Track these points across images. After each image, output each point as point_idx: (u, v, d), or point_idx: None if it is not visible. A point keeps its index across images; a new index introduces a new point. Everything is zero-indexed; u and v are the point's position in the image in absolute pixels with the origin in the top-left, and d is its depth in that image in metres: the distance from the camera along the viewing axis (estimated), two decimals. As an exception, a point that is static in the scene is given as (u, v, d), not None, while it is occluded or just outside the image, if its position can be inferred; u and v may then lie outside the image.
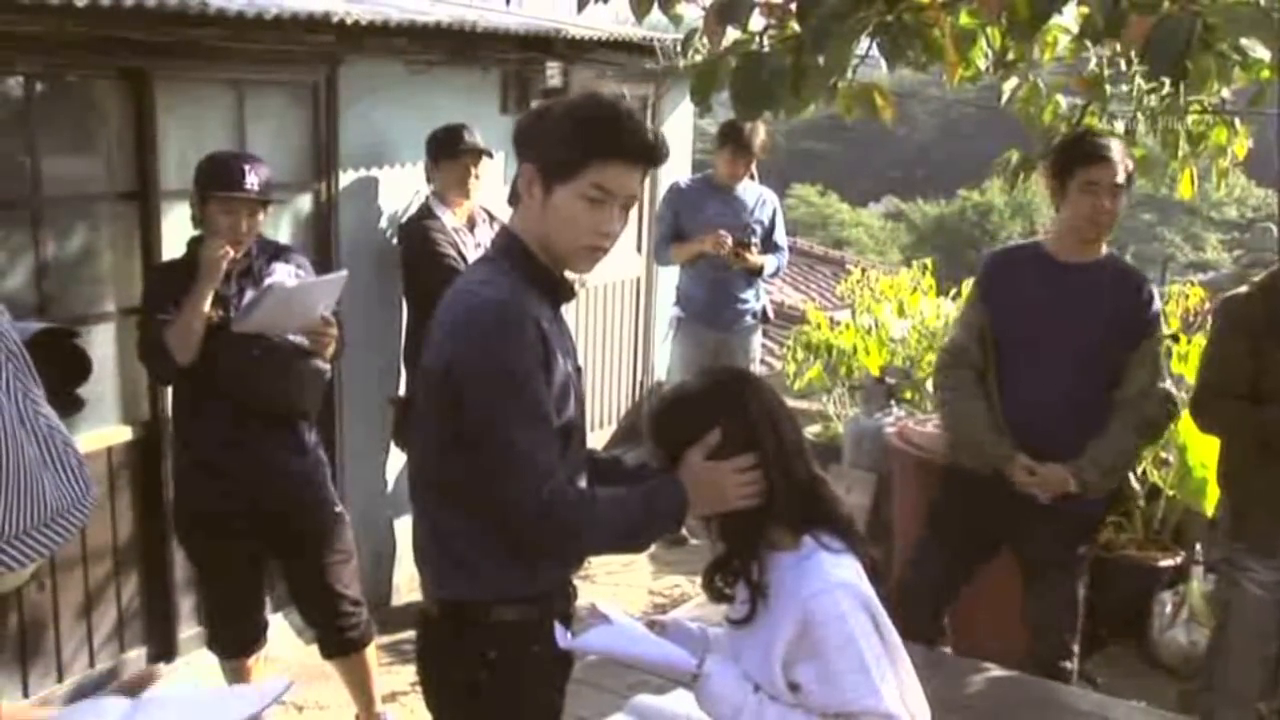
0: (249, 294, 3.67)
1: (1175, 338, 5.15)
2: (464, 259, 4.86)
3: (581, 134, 2.22)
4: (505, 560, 2.30)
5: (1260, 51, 2.95)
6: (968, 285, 4.85)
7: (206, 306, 3.57)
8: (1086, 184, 3.57)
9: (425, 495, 2.39)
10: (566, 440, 2.37)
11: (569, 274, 2.40)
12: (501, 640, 2.34)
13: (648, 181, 7.00)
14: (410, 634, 5.02)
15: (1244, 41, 3.09)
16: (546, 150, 2.25)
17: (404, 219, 5.15)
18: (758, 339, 6.41)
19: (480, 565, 2.32)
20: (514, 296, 2.25)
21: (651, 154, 2.31)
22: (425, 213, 5.04)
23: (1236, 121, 4.45)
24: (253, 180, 3.60)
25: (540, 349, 2.22)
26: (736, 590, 2.33)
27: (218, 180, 3.61)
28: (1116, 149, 3.59)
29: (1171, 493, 5.04)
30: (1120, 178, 3.56)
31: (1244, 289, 3.72)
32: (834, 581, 2.16)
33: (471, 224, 5.04)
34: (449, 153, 4.94)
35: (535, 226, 2.30)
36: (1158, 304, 3.75)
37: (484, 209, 5.12)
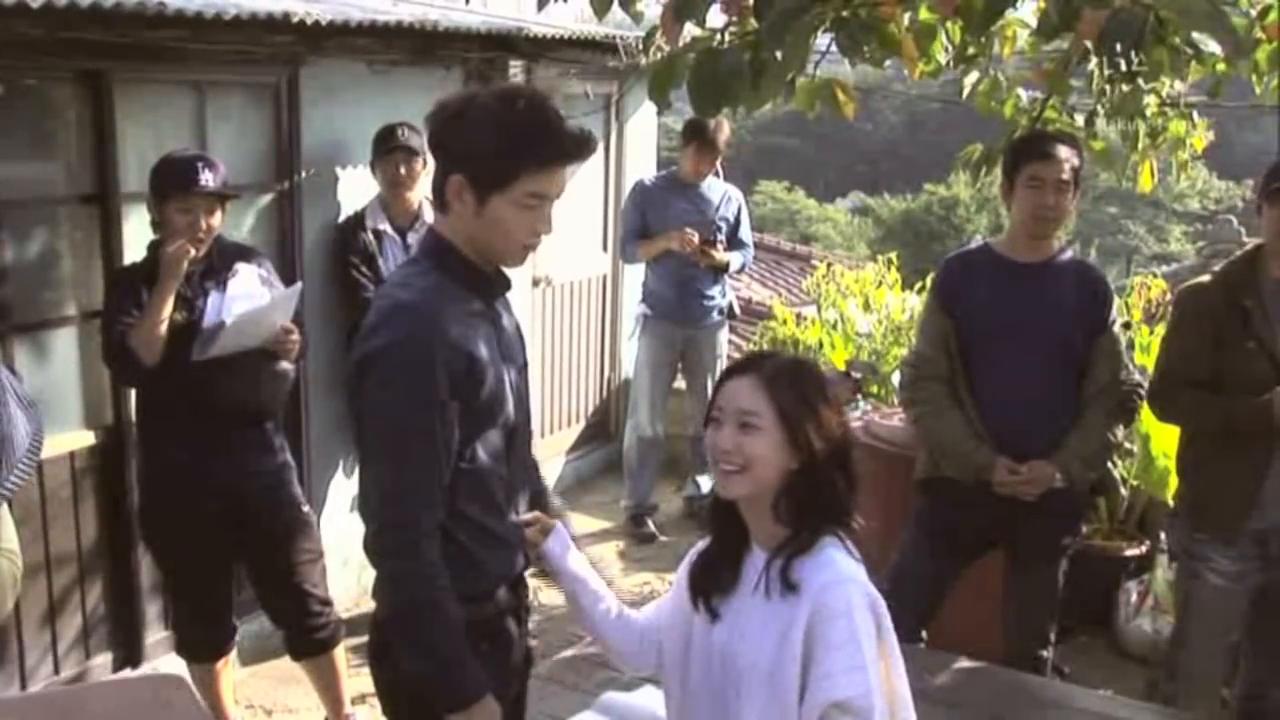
0: (213, 296, 3.65)
1: (1128, 325, 5.19)
2: (376, 269, 4.91)
3: (513, 144, 2.22)
4: (452, 559, 2.29)
5: (1212, 46, 2.98)
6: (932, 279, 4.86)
7: (169, 306, 3.56)
8: (1031, 180, 3.60)
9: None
10: (509, 439, 2.40)
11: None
12: None
13: (613, 179, 7.05)
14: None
15: (1196, 36, 3.11)
16: (475, 161, 2.24)
17: (338, 223, 5.13)
18: (724, 335, 6.43)
19: None
20: (428, 299, 2.26)
21: (583, 152, 2.31)
22: (351, 220, 5.05)
23: (1195, 114, 4.49)
24: (208, 178, 3.59)
25: (451, 353, 2.23)
26: (735, 592, 2.29)
27: (173, 180, 3.60)
28: (1063, 147, 3.61)
29: (1135, 483, 5.09)
30: (1065, 175, 3.58)
31: (1203, 279, 3.75)
32: (847, 576, 2.15)
33: (411, 223, 5.02)
34: (379, 151, 4.95)
35: (467, 231, 2.30)
36: (1113, 296, 3.79)
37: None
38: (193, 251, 3.58)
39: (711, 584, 2.30)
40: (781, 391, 2.20)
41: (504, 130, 2.22)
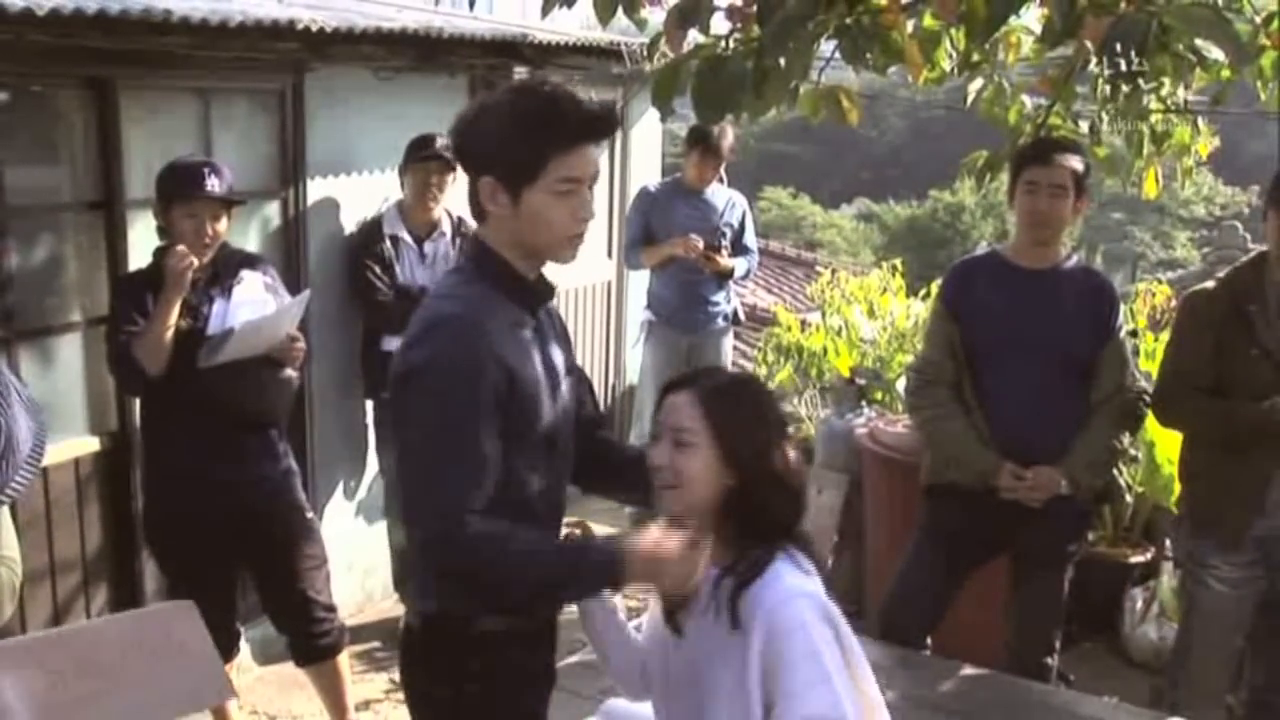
0: (218, 303, 3.67)
1: (1135, 333, 5.18)
2: (393, 277, 4.93)
3: (532, 133, 2.18)
4: None
5: (1215, 52, 2.98)
6: (938, 286, 4.86)
7: (174, 317, 3.56)
8: (1027, 184, 3.61)
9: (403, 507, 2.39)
10: (549, 450, 2.35)
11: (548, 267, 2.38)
12: (486, 650, 2.33)
13: (618, 185, 7.06)
14: (380, 642, 5.04)
15: (1200, 42, 3.12)
16: (500, 158, 2.20)
17: (351, 231, 5.14)
18: (729, 342, 6.43)
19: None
20: (466, 310, 2.22)
21: (606, 127, 2.27)
22: (369, 226, 5.06)
23: (1200, 120, 4.49)
24: (214, 183, 3.60)
25: (489, 364, 2.18)
26: (695, 608, 2.29)
27: (178, 185, 3.61)
28: (1063, 153, 3.61)
29: (1141, 489, 5.08)
30: (1061, 180, 3.58)
31: (1207, 284, 3.75)
32: (796, 591, 2.14)
33: (429, 232, 5.03)
34: (412, 157, 4.93)
35: (509, 233, 2.25)
36: (1120, 303, 3.79)
37: (455, 216, 5.09)
38: (196, 263, 3.59)
39: (671, 600, 2.31)
40: (718, 409, 2.20)
41: (522, 120, 2.18)
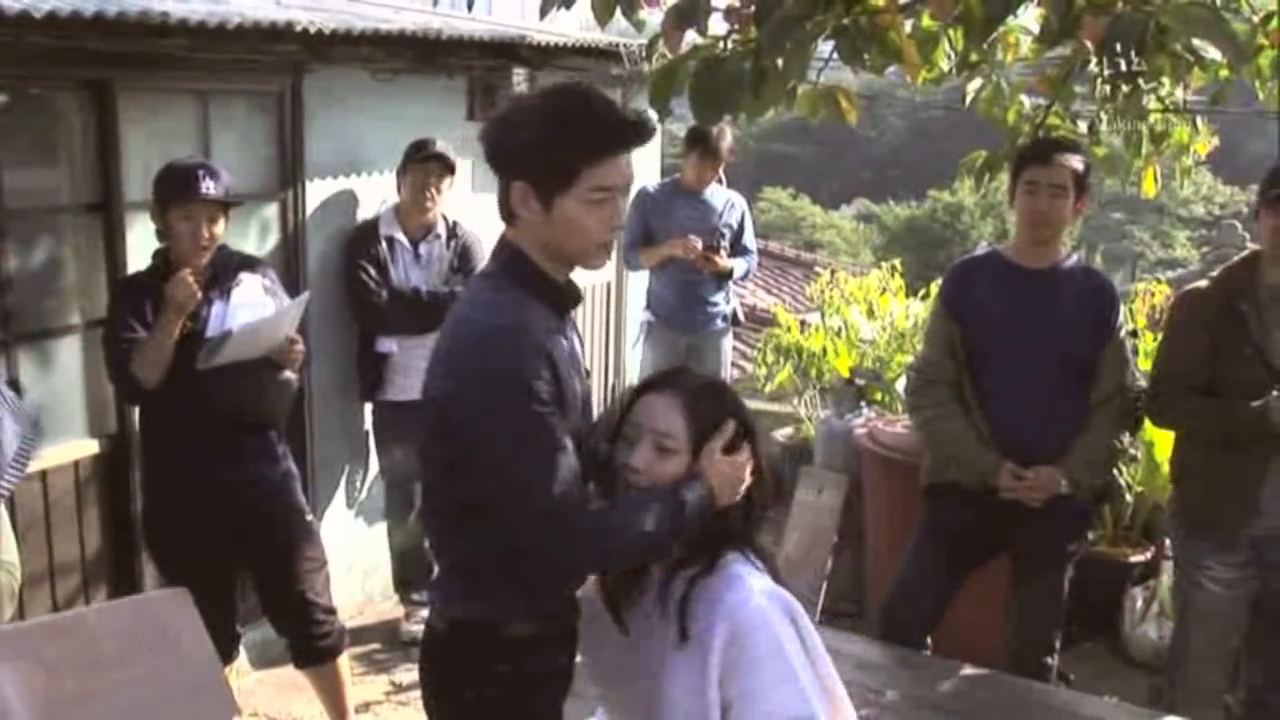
0: (216, 305, 3.66)
1: (1135, 333, 5.18)
2: (387, 278, 4.95)
3: (567, 141, 2.15)
4: (515, 577, 2.26)
5: (1213, 52, 2.98)
6: (938, 286, 4.86)
7: (173, 339, 3.57)
8: (1028, 184, 3.62)
9: (433, 517, 2.37)
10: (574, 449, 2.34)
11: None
12: (513, 654, 2.32)
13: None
14: (381, 644, 5.04)
15: (1197, 42, 3.12)
16: (534, 164, 2.17)
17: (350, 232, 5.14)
18: (728, 342, 6.43)
19: (491, 582, 2.29)
20: (511, 317, 2.18)
21: (640, 135, 2.25)
22: (366, 226, 5.07)
23: (1199, 120, 4.49)
24: (209, 185, 3.59)
25: (541, 368, 2.15)
26: (640, 607, 2.29)
27: (175, 188, 3.61)
28: (1064, 153, 3.61)
29: (1140, 489, 5.08)
30: (1062, 180, 3.58)
31: (1200, 283, 3.75)
32: (757, 589, 2.14)
33: (424, 234, 5.04)
34: (412, 158, 4.94)
35: (540, 237, 2.23)
36: (1120, 303, 3.79)
37: (450, 220, 5.10)
38: (200, 295, 3.59)
39: (615, 595, 2.32)
40: (701, 417, 2.20)
41: (555, 128, 2.16)
